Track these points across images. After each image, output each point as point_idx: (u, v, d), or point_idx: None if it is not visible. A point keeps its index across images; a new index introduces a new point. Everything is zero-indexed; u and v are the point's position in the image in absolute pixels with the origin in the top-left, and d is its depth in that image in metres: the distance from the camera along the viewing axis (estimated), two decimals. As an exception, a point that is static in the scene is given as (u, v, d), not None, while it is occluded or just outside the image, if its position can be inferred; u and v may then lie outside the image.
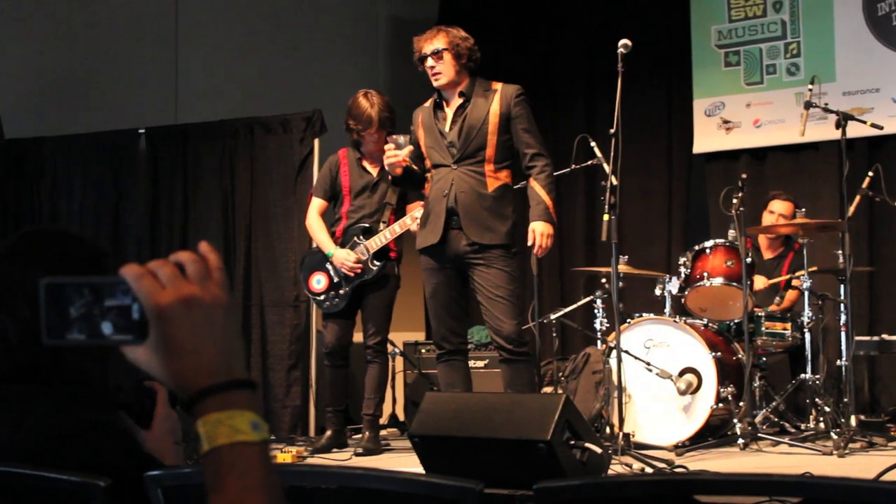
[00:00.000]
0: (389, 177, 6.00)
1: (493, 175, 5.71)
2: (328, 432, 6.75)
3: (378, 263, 6.60)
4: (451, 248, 5.69)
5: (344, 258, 6.60)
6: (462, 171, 5.69)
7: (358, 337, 6.84)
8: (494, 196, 5.69)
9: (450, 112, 5.85)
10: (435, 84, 5.84)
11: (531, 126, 5.79)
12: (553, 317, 7.53)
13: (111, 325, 1.26)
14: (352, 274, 6.61)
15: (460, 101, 5.83)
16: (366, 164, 6.77)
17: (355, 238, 6.65)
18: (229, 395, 1.27)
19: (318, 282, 6.76)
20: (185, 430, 3.76)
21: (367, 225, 6.66)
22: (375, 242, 6.60)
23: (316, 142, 7.87)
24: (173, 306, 1.26)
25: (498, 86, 5.87)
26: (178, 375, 1.27)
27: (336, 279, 6.70)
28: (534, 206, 5.68)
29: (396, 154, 5.62)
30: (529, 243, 5.65)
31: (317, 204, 6.86)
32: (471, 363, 7.98)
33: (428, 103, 5.98)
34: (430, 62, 5.81)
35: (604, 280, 7.04)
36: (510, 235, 5.71)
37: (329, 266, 6.71)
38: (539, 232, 5.61)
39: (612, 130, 5.45)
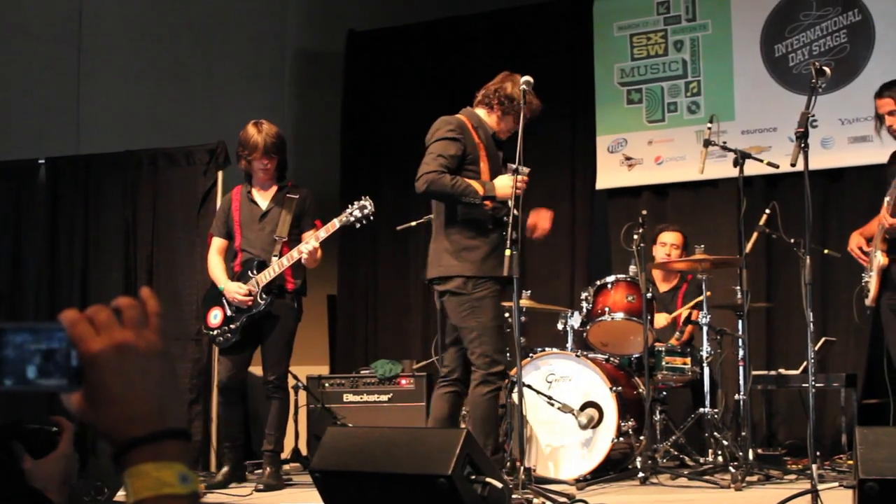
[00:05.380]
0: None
1: None
2: (225, 468, 6.68)
3: (266, 298, 6.55)
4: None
5: (234, 290, 6.55)
6: None
7: (260, 370, 6.79)
8: None
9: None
10: (506, 135, 6.02)
11: None
12: (456, 351, 7.52)
13: (47, 371, 1.23)
14: (243, 306, 6.56)
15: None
16: (255, 195, 6.75)
17: (249, 272, 6.60)
18: (159, 445, 1.24)
19: (215, 316, 6.70)
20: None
21: (262, 259, 6.62)
22: (265, 276, 6.55)
23: (219, 174, 7.83)
24: (105, 353, 1.23)
25: None
26: (109, 424, 1.24)
27: (230, 314, 6.65)
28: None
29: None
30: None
31: (216, 243, 6.82)
32: (373, 397, 7.99)
33: (466, 120, 5.94)
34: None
35: (506, 314, 7.06)
36: None
37: (224, 301, 6.66)
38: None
39: (514, 166, 5.49)
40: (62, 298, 8.09)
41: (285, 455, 7.15)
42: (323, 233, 6.48)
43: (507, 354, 5.89)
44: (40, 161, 8.39)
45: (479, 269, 5.65)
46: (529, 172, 5.65)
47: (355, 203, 6.49)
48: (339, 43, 10.24)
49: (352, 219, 6.46)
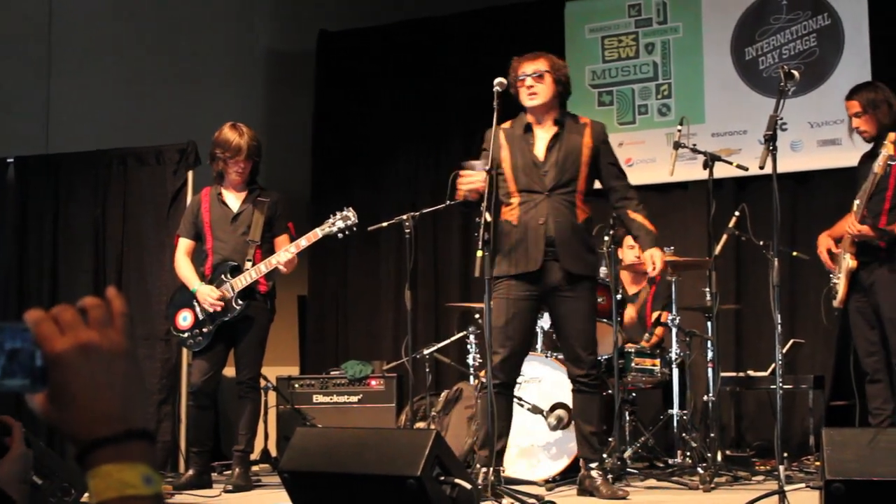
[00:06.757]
0: (458, 198, 5.65)
1: (581, 206, 5.75)
2: (190, 471, 6.63)
3: (242, 303, 6.50)
4: (547, 279, 5.65)
5: (207, 294, 6.50)
6: (556, 200, 5.67)
7: (232, 372, 6.77)
8: (584, 227, 5.76)
9: (543, 138, 5.80)
10: (529, 103, 5.78)
11: (617, 161, 5.98)
12: (427, 352, 7.54)
13: (11, 371, 1.22)
14: (213, 310, 6.52)
15: (555, 129, 5.82)
16: (226, 197, 6.69)
17: (222, 276, 6.55)
18: (123, 446, 1.23)
19: (185, 319, 6.64)
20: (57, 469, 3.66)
21: (235, 263, 6.56)
22: (240, 281, 6.49)
23: (190, 174, 7.80)
24: (69, 353, 1.22)
25: (586, 120, 5.97)
26: (72, 424, 1.23)
27: (201, 317, 6.59)
28: (644, 235, 5.79)
29: (474, 179, 5.46)
30: (649, 269, 5.76)
31: (183, 244, 6.75)
32: (343, 398, 7.99)
33: (508, 124, 5.79)
34: (529, 81, 5.75)
35: (477, 316, 7.08)
36: (596, 267, 5.92)
37: (195, 303, 6.61)
38: (658, 257, 5.71)
39: (486, 167, 5.48)
40: (31, 298, 8.04)
41: (254, 456, 7.14)
42: (304, 241, 6.46)
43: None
44: (9, 160, 8.35)
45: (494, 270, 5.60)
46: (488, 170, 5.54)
47: (338, 213, 6.48)
48: (310, 43, 10.23)
49: (334, 229, 6.46)
